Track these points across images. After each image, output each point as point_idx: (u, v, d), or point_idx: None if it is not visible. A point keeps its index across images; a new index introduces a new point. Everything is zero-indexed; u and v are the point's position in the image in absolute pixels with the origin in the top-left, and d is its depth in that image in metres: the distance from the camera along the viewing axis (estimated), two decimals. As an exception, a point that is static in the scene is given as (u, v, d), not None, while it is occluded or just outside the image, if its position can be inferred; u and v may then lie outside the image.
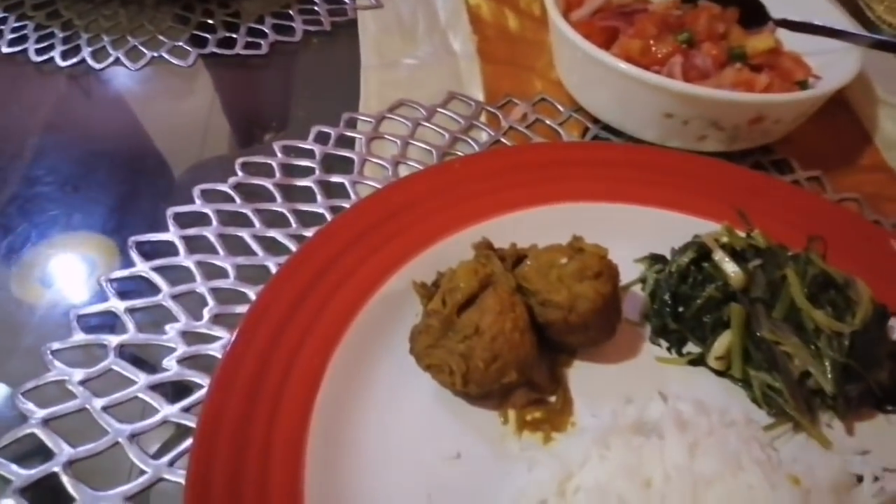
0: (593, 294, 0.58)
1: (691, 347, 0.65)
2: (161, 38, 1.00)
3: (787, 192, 0.77)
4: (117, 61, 0.95)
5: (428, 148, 0.85)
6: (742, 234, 0.67)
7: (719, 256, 0.64)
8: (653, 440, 0.49)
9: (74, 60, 0.95)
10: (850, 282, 0.61)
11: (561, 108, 0.93)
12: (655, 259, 0.70)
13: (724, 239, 0.65)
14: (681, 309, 0.64)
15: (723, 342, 0.61)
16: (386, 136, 0.87)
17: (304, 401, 0.55)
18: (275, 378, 0.56)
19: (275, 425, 0.54)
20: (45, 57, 0.95)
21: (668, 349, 0.65)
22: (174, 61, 0.96)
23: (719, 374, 0.63)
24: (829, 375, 0.58)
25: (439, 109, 0.91)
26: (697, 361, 0.63)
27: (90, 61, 0.95)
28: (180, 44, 0.99)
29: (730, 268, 0.62)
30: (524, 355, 0.56)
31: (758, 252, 0.65)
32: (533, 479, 0.51)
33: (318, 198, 0.78)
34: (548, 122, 0.91)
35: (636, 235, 0.71)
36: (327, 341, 0.59)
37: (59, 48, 0.96)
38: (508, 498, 0.51)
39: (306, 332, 0.58)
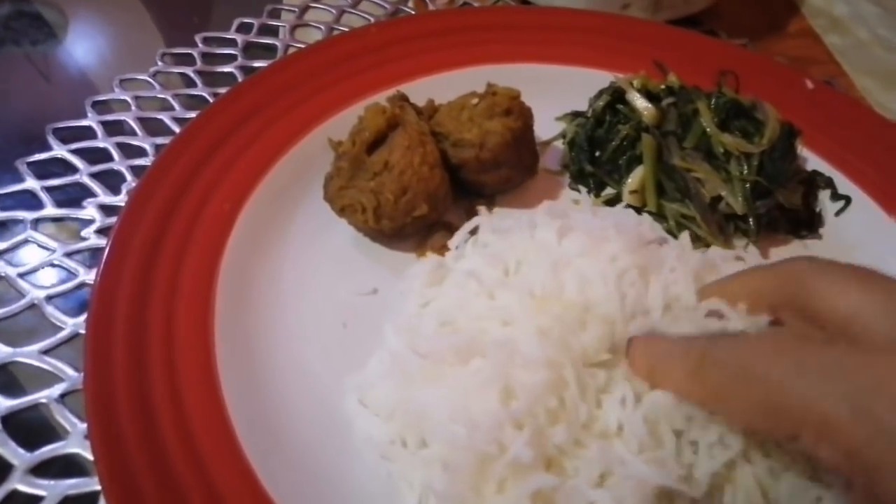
0: (502, 129, 0.58)
1: (610, 192, 0.65)
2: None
3: (706, 44, 0.78)
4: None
5: (354, 32, 0.84)
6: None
7: (632, 95, 0.64)
8: (525, 229, 0.49)
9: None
10: (758, 104, 0.62)
11: (489, -8, 0.92)
12: (576, 115, 0.70)
13: (638, 82, 0.66)
14: (597, 153, 0.65)
15: (637, 175, 0.61)
16: (311, 24, 0.86)
17: (213, 245, 0.54)
18: (181, 224, 0.54)
19: (182, 269, 0.52)
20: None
21: (588, 193, 0.65)
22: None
23: (636, 211, 0.63)
24: (739, 196, 0.58)
25: (365, -3, 0.90)
26: (614, 201, 0.64)
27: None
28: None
29: (642, 104, 0.63)
30: (434, 188, 0.56)
31: (671, 92, 0.65)
32: (410, 275, 0.52)
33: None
34: (476, 5, 0.90)
35: (560, 95, 0.71)
36: (239, 191, 0.58)
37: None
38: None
39: (216, 183, 0.58)
